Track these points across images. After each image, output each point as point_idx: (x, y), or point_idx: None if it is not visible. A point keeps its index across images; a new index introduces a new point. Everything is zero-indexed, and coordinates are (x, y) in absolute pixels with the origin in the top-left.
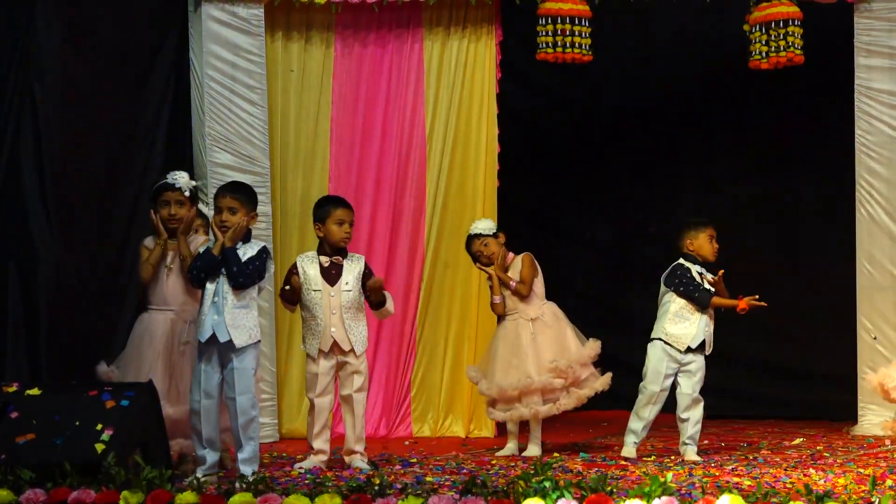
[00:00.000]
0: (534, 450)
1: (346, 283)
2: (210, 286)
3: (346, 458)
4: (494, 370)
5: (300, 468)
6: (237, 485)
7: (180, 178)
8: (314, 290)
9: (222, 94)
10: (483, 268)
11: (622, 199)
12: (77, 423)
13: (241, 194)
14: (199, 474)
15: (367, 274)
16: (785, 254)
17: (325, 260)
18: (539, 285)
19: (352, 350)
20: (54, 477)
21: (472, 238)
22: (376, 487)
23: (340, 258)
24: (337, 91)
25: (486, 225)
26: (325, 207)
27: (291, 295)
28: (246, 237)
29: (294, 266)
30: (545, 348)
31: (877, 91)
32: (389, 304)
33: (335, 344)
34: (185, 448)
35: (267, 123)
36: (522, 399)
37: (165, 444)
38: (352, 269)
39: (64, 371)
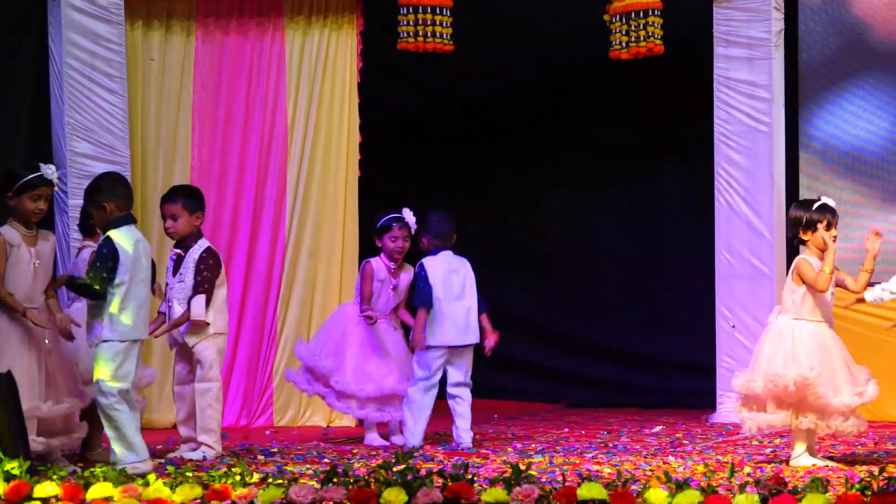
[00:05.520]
0: (400, 438)
1: (180, 275)
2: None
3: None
4: (365, 369)
5: (175, 456)
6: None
7: (55, 174)
8: (165, 284)
9: (81, 83)
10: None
11: (487, 190)
12: None
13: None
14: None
15: (202, 258)
16: (647, 243)
17: (174, 252)
18: None
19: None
20: None
21: (398, 221)
22: (237, 477)
23: (180, 250)
24: (198, 80)
25: (413, 219)
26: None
27: None
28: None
29: None
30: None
31: (735, 81)
32: (195, 310)
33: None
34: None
35: (127, 112)
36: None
37: (24, 435)
38: (188, 260)
39: None
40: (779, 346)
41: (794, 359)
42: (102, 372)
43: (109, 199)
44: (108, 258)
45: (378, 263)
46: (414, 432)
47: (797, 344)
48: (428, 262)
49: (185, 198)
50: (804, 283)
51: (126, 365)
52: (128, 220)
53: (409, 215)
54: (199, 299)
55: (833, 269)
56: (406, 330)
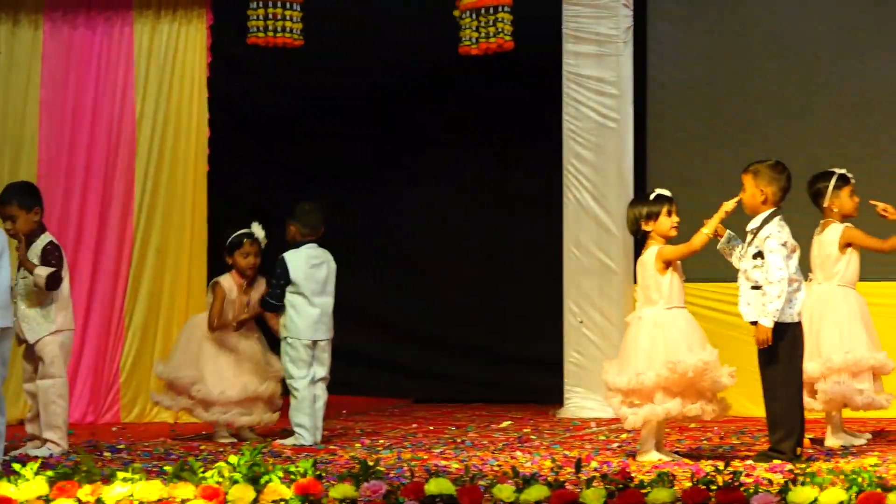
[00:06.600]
0: (251, 435)
1: (24, 270)
2: None
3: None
4: (225, 375)
5: (19, 453)
6: None
7: None
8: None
9: None
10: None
11: (338, 186)
12: None
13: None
14: None
15: (47, 251)
16: (496, 238)
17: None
18: None
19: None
20: None
21: (248, 237)
22: (84, 473)
23: (24, 246)
24: (46, 74)
25: (262, 233)
26: None
27: None
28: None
29: None
30: (273, 358)
31: (584, 77)
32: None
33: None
34: None
35: None
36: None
37: None
38: (30, 255)
39: None
40: (657, 335)
41: (676, 347)
42: None
43: None
44: None
45: (229, 283)
46: (310, 430)
47: (678, 332)
48: (290, 256)
49: (19, 196)
50: (670, 266)
51: None
52: None
53: (258, 230)
54: (45, 268)
55: (712, 230)
56: (263, 329)
